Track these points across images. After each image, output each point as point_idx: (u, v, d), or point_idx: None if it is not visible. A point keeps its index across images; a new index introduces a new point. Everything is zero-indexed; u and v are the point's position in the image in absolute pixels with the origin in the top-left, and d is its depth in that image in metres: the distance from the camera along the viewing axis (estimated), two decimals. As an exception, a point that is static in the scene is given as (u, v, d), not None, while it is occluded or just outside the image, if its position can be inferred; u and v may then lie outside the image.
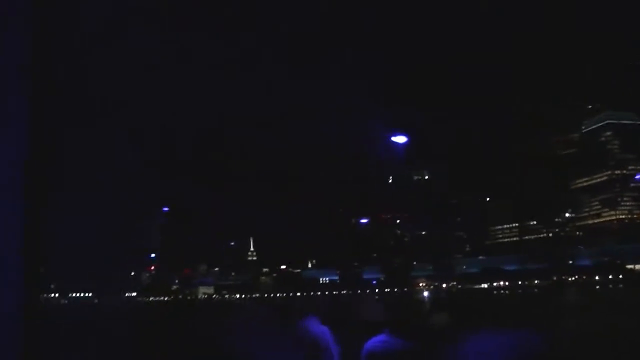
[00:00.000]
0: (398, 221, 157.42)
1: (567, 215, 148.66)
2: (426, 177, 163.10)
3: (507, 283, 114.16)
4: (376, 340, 4.79)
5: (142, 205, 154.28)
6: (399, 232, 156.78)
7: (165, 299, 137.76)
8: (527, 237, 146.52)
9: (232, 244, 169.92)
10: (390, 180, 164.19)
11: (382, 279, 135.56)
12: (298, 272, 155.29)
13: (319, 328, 5.65)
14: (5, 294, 3.11)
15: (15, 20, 3.28)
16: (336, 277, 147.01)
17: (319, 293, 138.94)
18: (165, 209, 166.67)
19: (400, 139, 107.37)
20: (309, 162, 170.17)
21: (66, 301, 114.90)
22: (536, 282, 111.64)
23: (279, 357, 5.88)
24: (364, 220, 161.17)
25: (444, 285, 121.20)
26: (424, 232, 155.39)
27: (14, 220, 3.20)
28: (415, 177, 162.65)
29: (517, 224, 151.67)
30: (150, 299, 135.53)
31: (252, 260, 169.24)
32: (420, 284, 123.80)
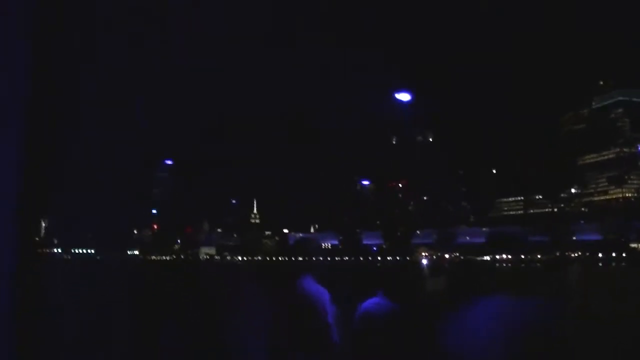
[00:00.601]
0: (400, 185, 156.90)
1: (573, 191, 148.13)
2: (430, 140, 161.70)
3: (509, 256, 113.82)
4: (370, 302, 4.28)
5: (145, 161, 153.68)
6: (400, 195, 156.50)
7: (167, 258, 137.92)
8: (532, 211, 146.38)
9: (234, 202, 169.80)
10: (394, 142, 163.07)
11: (384, 245, 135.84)
12: (299, 235, 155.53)
13: (315, 287, 5.14)
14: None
15: (15, 20, 2.91)
16: (336, 242, 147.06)
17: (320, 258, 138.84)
18: (169, 161, 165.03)
19: (404, 97, 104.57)
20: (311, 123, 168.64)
21: (69, 257, 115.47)
22: (539, 256, 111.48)
23: (272, 316, 5.33)
24: (365, 182, 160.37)
25: (447, 256, 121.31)
26: (425, 198, 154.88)
27: (10, 221, 2.91)
28: (419, 138, 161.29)
29: (522, 197, 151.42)
30: (152, 257, 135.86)
31: (255, 222, 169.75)
32: (422, 253, 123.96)
